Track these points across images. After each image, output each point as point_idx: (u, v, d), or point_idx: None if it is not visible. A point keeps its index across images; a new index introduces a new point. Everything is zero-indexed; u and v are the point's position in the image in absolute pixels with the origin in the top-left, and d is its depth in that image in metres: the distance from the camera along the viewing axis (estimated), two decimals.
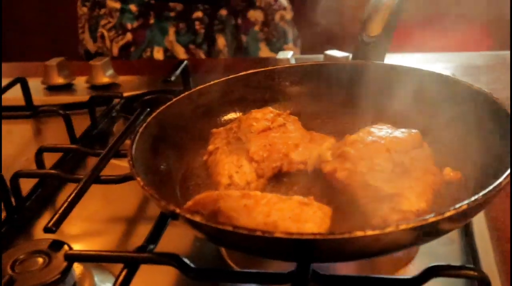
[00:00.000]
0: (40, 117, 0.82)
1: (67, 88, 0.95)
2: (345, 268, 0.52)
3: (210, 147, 0.57)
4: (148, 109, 0.73)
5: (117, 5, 1.09)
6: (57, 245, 0.52)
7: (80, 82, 0.96)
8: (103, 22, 1.11)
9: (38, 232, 0.61)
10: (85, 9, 1.14)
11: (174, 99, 0.61)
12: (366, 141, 0.51)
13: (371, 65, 0.65)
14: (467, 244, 0.54)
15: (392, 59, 0.93)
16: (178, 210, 0.44)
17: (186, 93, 0.62)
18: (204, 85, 0.63)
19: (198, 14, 1.10)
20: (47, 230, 0.51)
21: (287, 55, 0.87)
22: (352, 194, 0.50)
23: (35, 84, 0.94)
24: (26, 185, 0.65)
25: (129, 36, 1.10)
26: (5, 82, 0.90)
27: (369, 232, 0.39)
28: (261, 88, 0.65)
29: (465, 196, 0.50)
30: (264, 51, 1.19)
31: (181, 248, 0.55)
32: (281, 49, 1.19)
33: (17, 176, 0.62)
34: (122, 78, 0.96)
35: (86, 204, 0.58)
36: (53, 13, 2.50)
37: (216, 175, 0.54)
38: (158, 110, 0.59)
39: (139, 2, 1.08)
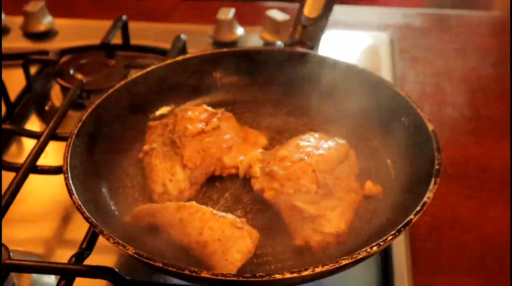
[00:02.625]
0: None
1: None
2: None
3: (146, 147, 0.58)
4: (82, 80, 0.72)
5: None
6: None
7: (15, 25, 0.92)
8: None
9: None
10: None
11: (110, 91, 0.61)
12: (293, 159, 0.53)
13: (306, 55, 0.66)
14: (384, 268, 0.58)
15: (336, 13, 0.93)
16: (114, 240, 0.46)
17: (122, 83, 0.62)
18: (140, 73, 0.63)
19: None
20: None
21: (229, 14, 0.86)
22: (278, 212, 0.53)
23: None
24: None
25: None
26: None
27: (287, 275, 0.43)
28: (197, 74, 0.65)
29: (382, 213, 0.54)
30: None
31: (117, 256, 0.57)
32: None
33: None
34: (58, 23, 0.93)
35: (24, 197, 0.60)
36: None
37: (151, 182, 0.56)
38: (92, 106, 0.59)
39: None
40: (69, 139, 0.54)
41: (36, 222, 0.62)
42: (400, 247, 0.57)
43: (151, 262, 0.44)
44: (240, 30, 0.88)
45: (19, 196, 0.57)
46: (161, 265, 0.44)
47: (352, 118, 0.62)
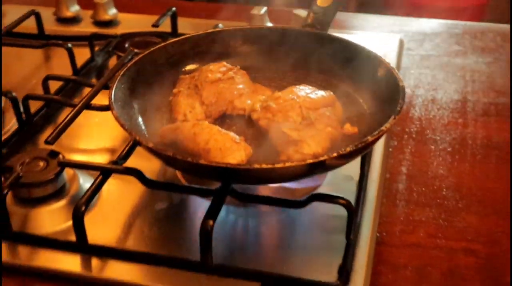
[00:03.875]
0: (49, 46, 0.98)
1: (75, 21, 1.11)
2: (263, 190, 0.70)
3: (175, 90, 0.74)
4: (135, 51, 0.90)
5: None
6: (54, 154, 0.70)
7: (86, 16, 1.12)
8: None
9: (42, 143, 0.79)
10: None
11: (152, 49, 0.77)
12: (286, 98, 0.68)
13: (311, 34, 0.81)
14: (360, 182, 0.72)
15: (353, 21, 1.09)
16: (138, 138, 0.61)
17: (162, 44, 0.79)
18: (175, 40, 0.79)
19: None
20: (46, 142, 0.69)
21: (261, 11, 1.02)
22: (270, 136, 0.67)
23: (48, 14, 1.10)
24: (34, 105, 0.83)
25: None
26: (19, 9, 1.06)
27: (264, 166, 0.57)
28: (220, 44, 0.81)
29: None
30: None
31: (148, 168, 0.72)
32: None
33: (27, 97, 0.80)
34: (122, 16, 1.12)
35: (82, 126, 0.77)
36: None
37: (175, 113, 0.71)
38: (138, 57, 0.75)
39: None
40: (115, 77, 0.71)
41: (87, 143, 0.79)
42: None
43: (164, 153, 0.59)
44: (269, 24, 1.04)
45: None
46: (171, 154, 0.59)
47: (340, 79, 0.76)
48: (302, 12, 1.01)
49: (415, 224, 0.67)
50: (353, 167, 0.71)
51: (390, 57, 0.98)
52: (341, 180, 0.73)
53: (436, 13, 2.60)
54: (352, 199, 0.66)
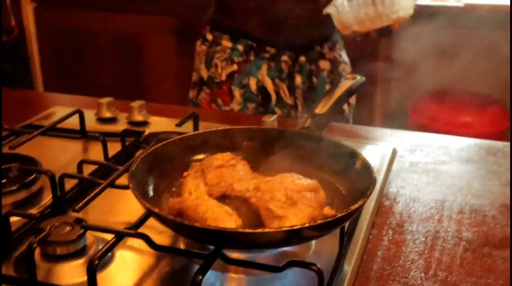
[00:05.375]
0: (88, 139, 1.14)
1: (112, 121, 1.29)
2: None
3: (185, 173, 0.89)
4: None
5: (229, 45, 1.56)
6: (79, 220, 0.84)
7: (122, 117, 1.30)
8: (217, 55, 1.57)
9: (71, 213, 0.92)
10: (204, 47, 1.61)
11: (169, 140, 0.93)
12: (274, 181, 0.81)
13: (306, 135, 0.96)
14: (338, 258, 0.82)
15: (357, 130, 1.23)
16: (147, 205, 0.75)
17: (179, 137, 0.94)
18: (191, 134, 0.95)
19: (285, 57, 1.54)
20: (74, 210, 0.83)
21: (271, 118, 1.18)
22: (259, 213, 0.80)
23: (90, 115, 1.29)
24: (70, 183, 0.98)
25: (235, 67, 1.55)
26: (68, 111, 1.25)
27: (246, 230, 0.69)
28: (227, 140, 0.96)
29: None
30: None
31: (158, 235, 0.85)
32: None
33: (63, 176, 0.95)
34: (153, 118, 1.29)
35: (106, 202, 0.91)
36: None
37: (182, 191, 0.85)
38: (156, 146, 0.91)
39: (245, 43, 1.54)
40: (135, 161, 0.86)
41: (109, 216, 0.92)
42: None
43: (165, 216, 0.72)
44: None
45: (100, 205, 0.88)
46: (171, 217, 0.72)
47: (329, 174, 0.90)
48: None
49: None
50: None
51: (383, 163, 1.11)
52: (327, 257, 0.83)
53: None
54: (329, 270, 0.77)
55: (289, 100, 1.55)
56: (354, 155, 0.89)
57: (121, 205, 0.96)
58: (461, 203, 1.00)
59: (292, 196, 0.79)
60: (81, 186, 1.00)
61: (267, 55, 1.53)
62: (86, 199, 0.85)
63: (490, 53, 2.79)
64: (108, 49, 2.95)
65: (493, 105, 2.86)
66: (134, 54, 2.89)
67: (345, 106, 1.63)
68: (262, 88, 1.54)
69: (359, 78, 1.12)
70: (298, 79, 1.56)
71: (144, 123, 1.27)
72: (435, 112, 2.85)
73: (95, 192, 0.88)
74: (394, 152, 1.17)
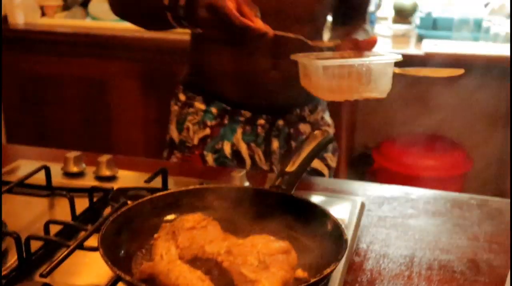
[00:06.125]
0: (55, 196, 1.12)
1: (79, 175, 1.27)
2: None
3: (155, 235, 0.88)
4: (128, 202, 1.05)
5: (203, 107, 1.48)
6: (46, 285, 0.82)
7: (90, 171, 1.28)
8: (189, 118, 1.49)
9: (37, 277, 0.90)
10: (176, 107, 1.53)
11: (138, 201, 0.92)
12: (246, 244, 0.81)
13: (276, 194, 0.96)
14: None
15: (324, 183, 1.24)
16: (118, 272, 0.73)
17: (149, 197, 0.93)
18: (161, 194, 0.95)
19: (261, 121, 1.46)
20: (41, 275, 0.81)
21: (240, 173, 1.19)
22: (231, 276, 0.79)
23: (57, 169, 1.27)
24: (35, 245, 0.95)
25: (207, 130, 1.47)
26: (33, 164, 1.23)
27: None
28: (198, 199, 0.96)
29: None
30: None
31: None
32: (322, 157, 1.55)
33: (29, 238, 0.93)
34: (121, 172, 1.28)
35: (74, 264, 0.89)
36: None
37: (153, 254, 0.84)
38: (127, 207, 0.90)
39: (219, 106, 1.47)
40: (104, 225, 0.85)
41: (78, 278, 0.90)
42: None
43: (136, 284, 0.71)
44: (246, 184, 1.19)
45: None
46: (143, 285, 0.71)
47: (297, 231, 0.90)
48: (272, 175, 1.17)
49: None
50: None
51: (351, 217, 1.12)
52: None
53: (421, 182, 2.80)
54: None
55: (264, 166, 1.48)
56: (324, 215, 0.89)
57: (90, 266, 0.94)
58: (430, 258, 1.01)
59: (264, 260, 0.79)
60: (47, 247, 0.98)
61: (242, 118, 1.45)
62: (54, 263, 0.84)
63: (455, 98, 2.88)
64: (73, 95, 2.93)
65: (456, 149, 2.93)
66: (100, 100, 2.87)
67: (326, 171, 1.56)
68: (236, 153, 1.47)
69: (327, 135, 1.14)
70: (275, 144, 1.48)
71: (112, 178, 1.26)
72: (398, 156, 2.90)
73: (63, 255, 0.86)
74: (362, 206, 1.18)
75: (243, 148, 1.47)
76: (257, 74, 1.42)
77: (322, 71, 1.07)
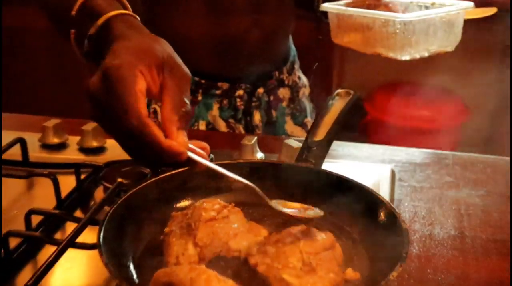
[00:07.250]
0: (34, 175, 0.94)
1: (61, 147, 1.09)
2: None
3: (166, 229, 0.71)
4: (123, 182, 0.87)
5: None
6: None
7: (73, 142, 1.10)
8: None
9: (21, 283, 0.73)
10: None
11: (142, 184, 0.75)
12: (285, 242, 0.65)
13: (305, 169, 0.80)
14: None
15: (345, 150, 1.08)
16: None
17: (153, 179, 0.76)
18: (167, 174, 0.77)
19: (240, 92, 1.27)
20: None
21: (252, 141, 1.01)
22: (268, 283, 0.63)
23: (33, 140, 1.08)
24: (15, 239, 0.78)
25: None
26: (5, 135, 1.04)
27: None
28: (216, 178, 0.79)
29: None
30: (289, 125, 1.36)
31: None
32: (302, 122, 1.39)
33: (8, 234, 0.75)
34: (110, 143, 1.10)
35: (65, 266, 0.72)
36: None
37: (167, 256, 0.67)
38: (127, 194, 0.72)
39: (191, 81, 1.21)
40: (102, 222, 0.67)
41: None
42: None
43: None
44: (260, 154, 1.02)
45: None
46: None
47: (338, 218, 0.74)
48: (293, 142, 1.01)
49: None
50: None
51: (383, 189, 0.96)
52: None
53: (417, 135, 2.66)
54: None
55: None
56: (372, 197, 0.73)
57: (85, 269, 0.77)
58: (484, 239, 0.86)
59: (309, 261, 0.63)
60: (30, 242, 0.81)
61: (218, 91, 1.26)
62: (41, 269, 0.67)
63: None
64: (47, 48, 2.66)
65: (452, 98, 2.79)
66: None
67: None
68: None
69: (354, 93, 0.96)
70: (257, 117, 1.29)
71: (100, 150, 1.08)
72: (392, 107, 2.75)
73: (51, 257, 0.69)
74: (393, 175, 1.03)
75: (222, 126, 1.28)
76: (236, 35, 1.21)
77: (404, 26, 0.90)
